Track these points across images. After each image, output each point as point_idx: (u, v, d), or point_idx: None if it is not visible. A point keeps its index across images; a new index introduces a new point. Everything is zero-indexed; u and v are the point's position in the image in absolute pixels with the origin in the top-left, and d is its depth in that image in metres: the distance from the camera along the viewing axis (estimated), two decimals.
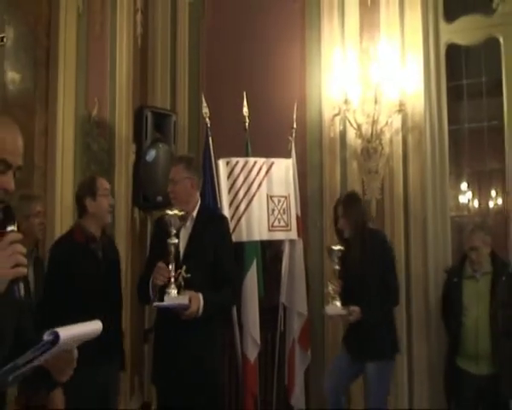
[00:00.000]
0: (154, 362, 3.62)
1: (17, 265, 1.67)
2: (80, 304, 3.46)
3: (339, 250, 4.13)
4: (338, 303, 4.07)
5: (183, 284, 3.28)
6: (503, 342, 4.10)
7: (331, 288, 4.12)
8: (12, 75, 4.79)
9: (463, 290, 4.25)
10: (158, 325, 3.62)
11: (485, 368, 4.13)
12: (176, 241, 3.31)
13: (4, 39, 4.98)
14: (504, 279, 4.17)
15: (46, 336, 1.68)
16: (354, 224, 4.18)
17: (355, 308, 3.98)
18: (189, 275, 3.29)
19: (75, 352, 1.86)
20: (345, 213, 4.22)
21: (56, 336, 1.66)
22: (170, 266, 3.28)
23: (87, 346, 3.38)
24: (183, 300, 3.28)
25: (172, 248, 3.28)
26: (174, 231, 3.30)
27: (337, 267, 4.13)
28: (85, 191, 3.65)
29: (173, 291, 3.26)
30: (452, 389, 4.29)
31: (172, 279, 3.26)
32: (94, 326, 1.91)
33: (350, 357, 4.23)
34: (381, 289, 4.08)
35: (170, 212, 3.34)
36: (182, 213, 3.35)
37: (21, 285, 1.70)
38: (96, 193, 3.60)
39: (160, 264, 3.29)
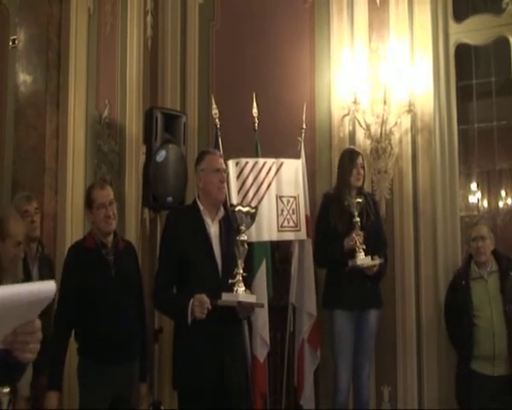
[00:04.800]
0: (182, 366, 3.33)
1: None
2: (92, 307, 3.52)
3: (358, 203, 4.25)
4: (363, 255, 4.22)
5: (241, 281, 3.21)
6: None
7: (357, 240, 4.21)
8: (23, 77, 4.84)
9: (473, 292, 4.24)
10: (184, 328, 3.25)
11: (501, 369, 4.12)
12: (245, 238, 3.22)
13: (16, 41, 5.03)
14: None
15: None
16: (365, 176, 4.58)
17: (381, 260, 4.27)
18: (245, 274, 3.24)
19: (37, 321, 1.51)
20: (363, 164, 4.54)
21: None
22: (239, 263, 3.20)
23: (101, 347, 3.45)
24: (253, 298, 3.28)
25: (242, 247, 3.19)
26: (244, 229, 3.22)
27: (358, 219, 4.25)
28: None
29: (241, 289, 3.18)
30: (467, 393, 4.24)
31: (240, 277, 3.19)
32: (45, 287, 1.46)
33: (350, 314, 4.37)
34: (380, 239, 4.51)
35: (242, 208, 3.25)
36: (254, 210, 3.29)
37: None
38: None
39: (202, 297, 3.12)
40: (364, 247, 4.23)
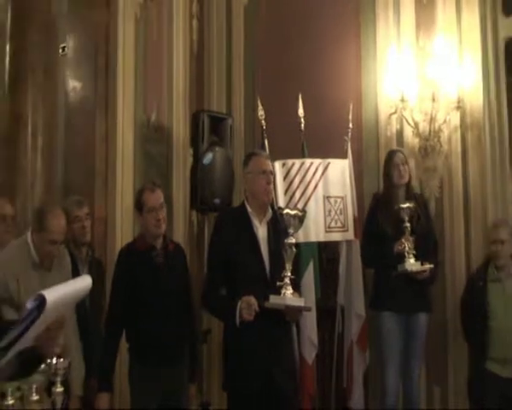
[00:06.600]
0: (231, 367, 3.37)
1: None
2: (142, 308, 3.56)
3: (408, 207, 4.18)
4: (413, 260, 4.16)
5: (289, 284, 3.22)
6: None
7: (407, 245, 4.15)
8: (73, 83, 4.94)
9: (489, 293, 4.20)
10: (235, 329, 3.24)
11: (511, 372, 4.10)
12: (293, 240, 3.24)
13: (65, 49, 5.14)
14: None
15: (30, 304, 1.40)
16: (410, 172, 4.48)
17: (431, 265, 4.19)
18: (293, 276, 3.25)
19: (64, 316, 1.56)
20: (405, 160, 4.44)
21: (42, 299, 1.37)
22: (287, 266, 3.21)
23: (151, 348, 3.49)
24: (301, 301, 3.30)
25: (289, 249, 3.20)
26: (292, 231, 3.24)
27: (408, 225, 4.18)
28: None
29: (289, 292, 3.20)
30: (480, 393, 4.21)
31: (288, 280, 3.20)
32: (83, 283, 1.58)
33: (398, 316, 4.29)
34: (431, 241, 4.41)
35: (290, 211, 3.27)
36: (302, 213, 3.31)
37: None
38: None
39: (250, 299, 3.14)
40: (414, 252, 4.16)
